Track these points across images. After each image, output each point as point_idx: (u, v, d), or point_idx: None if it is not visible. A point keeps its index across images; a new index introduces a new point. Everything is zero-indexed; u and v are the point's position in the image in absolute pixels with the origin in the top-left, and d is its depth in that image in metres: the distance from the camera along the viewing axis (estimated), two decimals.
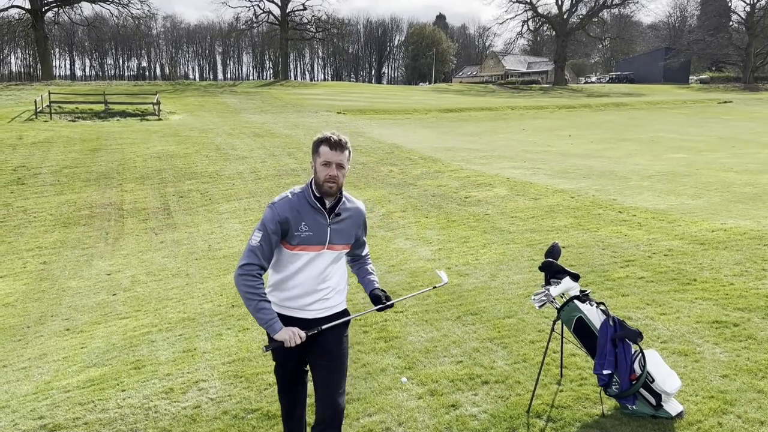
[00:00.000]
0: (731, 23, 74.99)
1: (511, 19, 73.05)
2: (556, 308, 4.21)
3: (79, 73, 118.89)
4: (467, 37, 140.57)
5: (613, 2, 70.50)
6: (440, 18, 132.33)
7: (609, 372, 3.92)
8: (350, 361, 5.14)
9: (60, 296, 9.19)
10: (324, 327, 3.13)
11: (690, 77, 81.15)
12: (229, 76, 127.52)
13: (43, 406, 4.85)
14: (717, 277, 6.83)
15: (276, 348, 3.09)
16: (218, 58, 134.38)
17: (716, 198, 11.77)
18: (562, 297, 4.24)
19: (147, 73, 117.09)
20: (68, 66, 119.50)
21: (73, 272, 10.55)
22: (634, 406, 3.97)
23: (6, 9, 54.18)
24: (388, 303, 3.31)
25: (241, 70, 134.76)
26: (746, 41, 71.08)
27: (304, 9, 67.74)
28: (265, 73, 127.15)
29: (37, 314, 8.38)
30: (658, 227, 9.46)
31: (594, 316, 4.07)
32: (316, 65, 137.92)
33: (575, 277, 4.20)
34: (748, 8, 71.73)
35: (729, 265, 7.29)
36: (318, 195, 3.11)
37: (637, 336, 3.96)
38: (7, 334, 7.61)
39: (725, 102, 46.60)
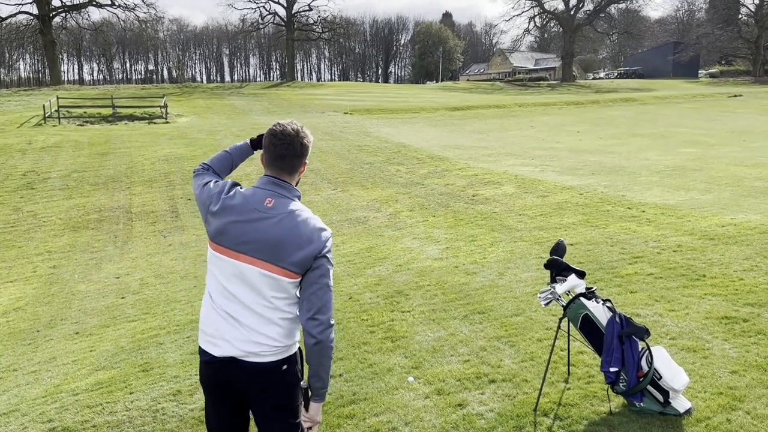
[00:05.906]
0: (740, 16, 74.27)
1: (517, 15, 72.44)
2: (563, 306, 4.19)
3: (87, 77, 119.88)
4: (474, 35, 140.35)
5: None
6: (446, 16, 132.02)
7: (616, 369, 3.89)
8: (357, 362, 5.15)
9: (69, 300, 9.24)
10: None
11: (699, 71, 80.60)
12: (236, 78, 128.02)
13: (52, 410, 4.88)
14: (727, 273, 6.77)
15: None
16: (225, 60, 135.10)
17: (726, 192, 11.67)
18: (568, 294, 4.21)
19: (154, 76, 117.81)
20: (76, 70, 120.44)
21: (83, 276, 10.61)
22: (641, 404, 3.94)
23: (14, 15, 54.73)
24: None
25: (248, 71, 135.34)
26: (756, 34, 70.40)
27: (310, 9, 68.00)
28: (272, 75, 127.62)
29: (46, 318, 8.43)
30: (667, 223, 9.39)
31: (600, 313, 4.04)
32: (322, 65, 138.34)
33: (581, 275, 4.18)
34: (757, 0, 71.08)
35: (739, 260, 7.22)
36: None
37: (643, 333, 3.93)
38: (17, 338, 7.66)
39: (735, 95, 46.12)
